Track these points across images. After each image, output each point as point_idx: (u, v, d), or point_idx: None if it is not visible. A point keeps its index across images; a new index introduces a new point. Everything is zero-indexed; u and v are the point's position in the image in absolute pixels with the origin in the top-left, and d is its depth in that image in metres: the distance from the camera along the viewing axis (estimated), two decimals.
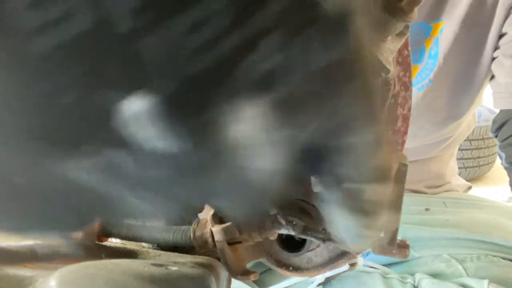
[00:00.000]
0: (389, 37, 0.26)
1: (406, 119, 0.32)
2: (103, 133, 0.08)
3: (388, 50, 0.25)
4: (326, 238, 0.26)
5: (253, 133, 0.09)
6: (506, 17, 0.66)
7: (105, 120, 0.08)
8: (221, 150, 0.09)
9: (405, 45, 0.31)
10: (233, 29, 0.07)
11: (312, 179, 0.32)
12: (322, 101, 0.10)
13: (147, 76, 0.07)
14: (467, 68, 0.72)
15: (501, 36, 0.68)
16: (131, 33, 0.07)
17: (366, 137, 0.12)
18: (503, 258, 0.65)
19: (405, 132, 0.33)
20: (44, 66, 0.07)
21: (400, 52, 0.31)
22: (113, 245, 0.31)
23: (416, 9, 0.25)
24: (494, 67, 0.70)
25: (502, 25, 0.67)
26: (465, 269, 0.63)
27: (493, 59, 0.70)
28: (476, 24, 0.67)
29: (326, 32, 0.09)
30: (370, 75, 0.11)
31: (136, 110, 0.08)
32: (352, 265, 0.50)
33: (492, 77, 0.72)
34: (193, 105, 0.08)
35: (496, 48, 0.69)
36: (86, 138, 0.08)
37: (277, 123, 0.10)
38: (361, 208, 0.14)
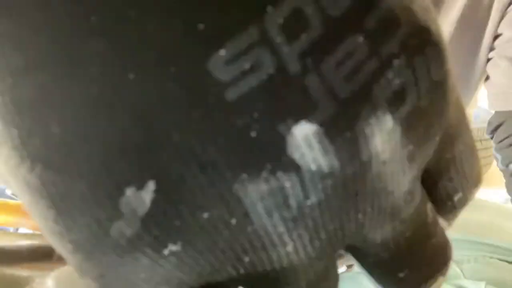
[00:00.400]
0: None
1: None
2: (279, 156, 0.10)
3: None
4: None
5: (392, 147, 0.10)
6: (501, 18, 0.66)
7: (282, 144, 0.10)
8: (366, 167, 0.10)
9: None
10: (371, 55, 0.10)
11: None
12: (441, 113, 0.12)
13: (313, 103, 0.09)
14: (462, 70, 0.72)
15: (496, 37, 0.68)
16: (302, 72, 0.09)
17: (468, 142, 0.13)
18: (500, 260, 0.66)
19: None
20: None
21: None
22: None
23: None
24: (489, 68, 0.70)
25: (497, 26, 0.67)
26: (462, 271, 0.63)
27: (488, 60, 0.70)
28: (471, 26, 0.68)
29: (436, 51, 0.11)
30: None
31: (306, 133, 0.09)
32: (350, 266, 0.50)
33: (487, 78, 0.72)
34: (346, 122, 0.10)
35: (491, 49, 0.69)
36: (264, 161, 0.10)
37: (410, 136, 0.11)
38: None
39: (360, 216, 0.11)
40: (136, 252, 0.10)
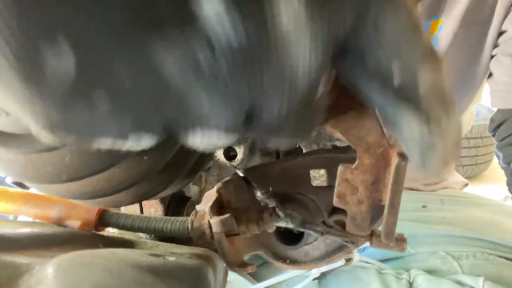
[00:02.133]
0: None
1: None
2: (184, 12, 0.10)
3: None
4: (325, 231, 0.26)
5: (296, 24, 0.11)
6: (506, 15, 0.65)
7: (194, 18, 0.10)
8: (271, 44, 0.11)
9: None
10: None
11: (311, 173, 0.32)
12: None
13: None
14: (466, 66, 0.71)
15: (500, 33, 0.67)
16: None
17: (402, 15, 0.13)
18: (499, 256, 0.66)
19: None
20: None
21: None
22: (110, 234, 0.31)
23: (419, 5, 0.24)
24: (493, 65, 0.69)
25: (501, 23, 0.66)
26: (460, 266, 0.63)
27: (492, 57, 0.70)
28: (475, 23, 0.67)
29: None
30: None
31: (215, 7, 0.10)
32: (348, 260, 0.50)
33: (490, 75, 0.71)
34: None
35: (495, 45, 0.68)
36: (169, 16, 0.10)
37: (316, 12, 0.11)
38: (418, 107, 0.14)
39: (264, 85, 0.12)
40: (74, 99, 0.12)
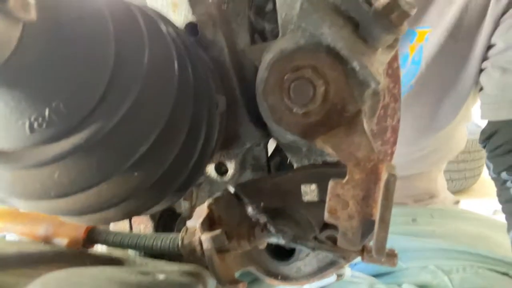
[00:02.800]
0: (379, 49, 0.26)
1: (395, 130, 0.33)
2: None
3: (379, 62, 0.26)
4: (316, 246, 0.26)
5: None
6: (494, 29, 0.66)
7: None
8: None
9: (395, 58, 0.31)
10: None
11: (302, 188, 0.32)
12: None
13: None
14: (450, 78, 0.72)
15: (489, 47, 0.68)
16: None
17: None
18: (488, 270, 0.66)
19: (394, 143, 0.33)
20: None
21: (389, 64, 0.31)
22: (98, 253, 0.31)
23: (406, 23, 0.25)
24: (483, 79, 0.70)
25: (490, 36, 0.66)
26: (450, 280, 0.63)
27: (481, 70, 0.71)
28: (463, 37, 0.68)
29: None
30: None
31: None
32: (340, 275, 0.50)
33: (481, 88, 0.72)
34: None
35: (484, 58, 0.69)
36: None
37: None
38: None
39: None
40: None
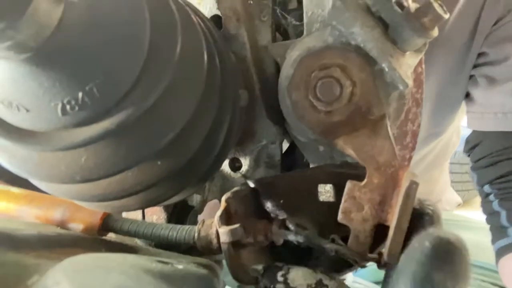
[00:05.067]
0: (408, 52, 0.26)
1: (415, 135, 0.33)
2: None
3: (407, 65, 0.26)
4: (333, 248, 0.26)
5: None
6: (485, 38, 0.65)
7: None
8: None
9: (420, 63, 0.31)
10: None
11: (318, 187, 0.32)
12: None
13: None
14: (447, 88, 0.71)
15: (480, 54, 0.67)
16: None
17: None
18: (492, 284, 0.65)
19: (413, 148, 0.33)
20: None
21: (414, 68, 0.31)
22: (112, 239, 0.31)
23: (436, 27, 0.25)
24: (470, 86, 0.69)
25: (481, 45, 0.66)
26: None
27: (470, 77, 0.70)
28: (455, 49, 0.67)
29: None
30: None
31: None
32: (342, 280, 0.49)
33: (467, 94, 0.72)
34: None
35: (474, 66, 0.68)
36: None
37: None
38: None
39: None
40: None
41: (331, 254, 0.26)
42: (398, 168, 0.26)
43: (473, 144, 0.70)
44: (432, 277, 0.17)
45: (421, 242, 0.18)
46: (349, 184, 0.26)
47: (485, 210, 0.70)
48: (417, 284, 0.17)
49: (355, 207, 0.26)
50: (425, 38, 0.25)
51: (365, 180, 0.26)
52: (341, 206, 0.26)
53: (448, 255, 0.17)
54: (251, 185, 0.28)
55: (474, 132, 0.70)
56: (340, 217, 0.26)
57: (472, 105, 0.69)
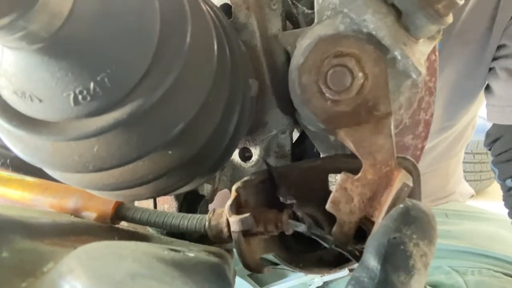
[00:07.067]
0: (421, 40, 0.25)
1: (427, 124, 0.32)
2: None
3: (420, 53, 0.25)
4: (312, 232, 0.26)
5: None
6: (505, 29, 0.64)
7: None
8: None
9: (433, 50, 0.31)
10: None
11: (329, 178, 0.32)
12: None
13: None
14: (462, 81, 0.70)
15: (499, 47, 0.66)
16: None
17: None
18: (505, 274, 0.65)
19: (426, 138, 0.32)
20: None
21: (428, 56, 0.30)
22: (125, 228, 0.31)
23: (451, 14, 0.24)
24: (490, 78, 0.68)
25: (500, 37, 0.65)
26: (465, 282, 0.63)
27: (490, 69, 0.68)
28: (472, 41, 0.66)
29: None
30: None
31: None
32: (351, 270, 0.49)
33: (487, 86, 0.70)
34: None
35: (494, 58, 0.67)
36: None
37: None
38: None
39: None
40: None
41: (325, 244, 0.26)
42: (394, 169, 0.26)
43: (494, 138, 0.69)
44: (401, 228, 0.19)
45: (396, 208, 0.20)
46: (342, 175, 0.26)
47: (507, 204, 0.69)
48: (388, 233, 0.19)
49: (344, 199, 0.26)
50: (439, 24, 0.24)
51: (359, 174, 0.26)
52: (331, 195, 0.26)
53: (418, 215, 0.19)
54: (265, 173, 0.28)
55: (494, 125, 0.69)
56: (328, 205, 0.26)
57: (492, 98, 0.68)
